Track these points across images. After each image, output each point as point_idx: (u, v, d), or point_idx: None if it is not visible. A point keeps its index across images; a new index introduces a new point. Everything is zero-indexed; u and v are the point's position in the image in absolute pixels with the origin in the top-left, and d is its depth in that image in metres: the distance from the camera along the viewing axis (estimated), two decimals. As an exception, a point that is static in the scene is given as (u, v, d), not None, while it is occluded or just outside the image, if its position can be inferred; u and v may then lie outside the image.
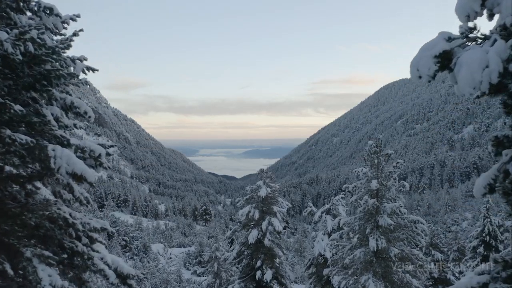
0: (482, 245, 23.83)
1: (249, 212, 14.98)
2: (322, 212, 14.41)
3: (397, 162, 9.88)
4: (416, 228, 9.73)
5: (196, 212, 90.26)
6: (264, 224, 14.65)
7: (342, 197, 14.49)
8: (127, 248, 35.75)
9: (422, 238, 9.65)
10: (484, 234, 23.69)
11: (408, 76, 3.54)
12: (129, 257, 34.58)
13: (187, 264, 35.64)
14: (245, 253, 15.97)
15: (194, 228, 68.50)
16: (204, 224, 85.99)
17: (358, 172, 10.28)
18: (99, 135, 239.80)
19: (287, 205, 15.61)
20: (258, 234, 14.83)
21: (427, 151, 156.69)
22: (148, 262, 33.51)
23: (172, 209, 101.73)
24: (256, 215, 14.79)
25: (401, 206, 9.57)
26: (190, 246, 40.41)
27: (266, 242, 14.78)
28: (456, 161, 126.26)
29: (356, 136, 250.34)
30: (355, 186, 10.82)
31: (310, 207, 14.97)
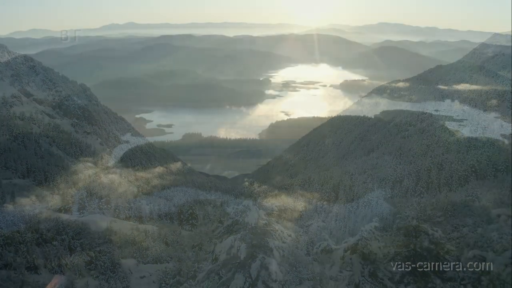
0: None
1: (232, 247, 9.94)
2: (345, 251, 9.27)
3: None
4: None
5: (182, 216, 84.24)
6: (254, 267, 9.63)
7: (375, 227, 9.30)
8: (92, 265, 30.25)
9: None
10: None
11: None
12: (94, 276, 29.13)
13: (163, 285, 30.22)
14: (226, 303, 10.87)
15: (178, 235, 62.73)
16: (190, 229, 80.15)
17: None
18: (88, 133, 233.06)
19: (289, 236, 10.53)
20: (245, 283, 9.82)
21: (422, 153, 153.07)
22: (116, 283, 28.10)
23: (157, 211, 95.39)
24: (243, 252, 9.76)
25: None
26: (168, 262, 34.91)
27: (257, 295, 9.69)
28: (454, 164, 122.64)
29: (349, 138, 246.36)
30: None
31: (326, 240, 9.78)
